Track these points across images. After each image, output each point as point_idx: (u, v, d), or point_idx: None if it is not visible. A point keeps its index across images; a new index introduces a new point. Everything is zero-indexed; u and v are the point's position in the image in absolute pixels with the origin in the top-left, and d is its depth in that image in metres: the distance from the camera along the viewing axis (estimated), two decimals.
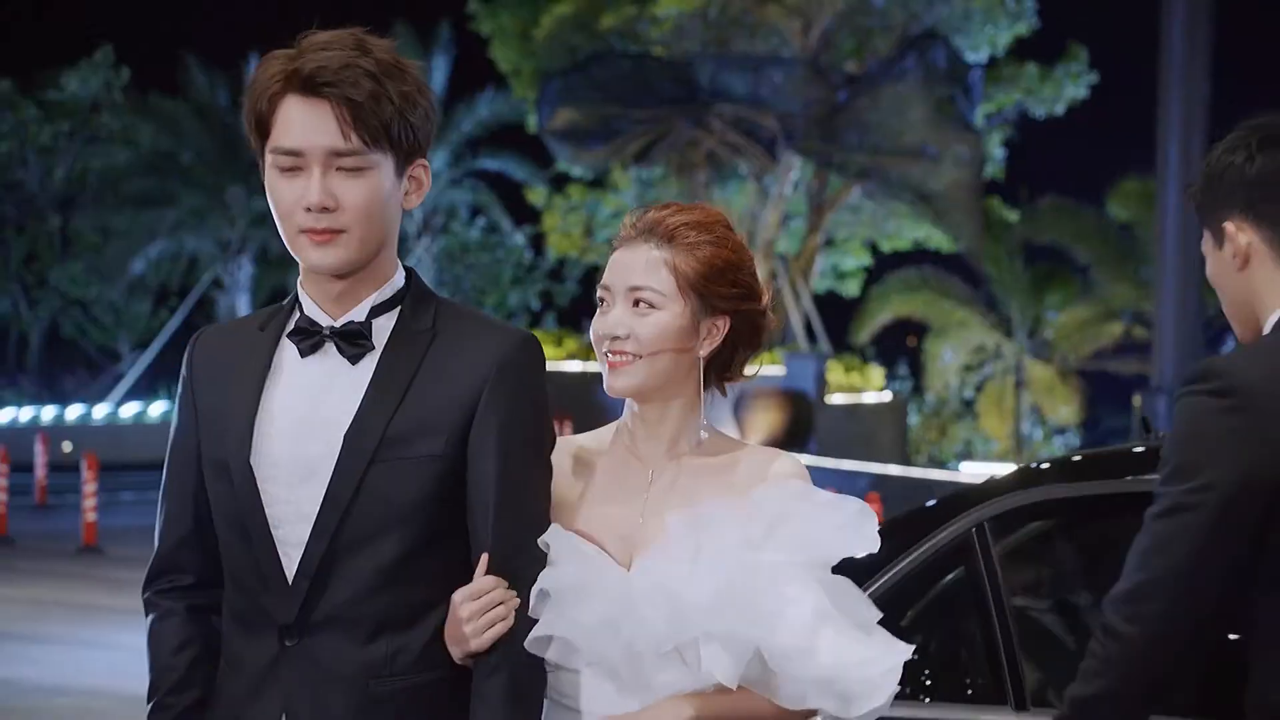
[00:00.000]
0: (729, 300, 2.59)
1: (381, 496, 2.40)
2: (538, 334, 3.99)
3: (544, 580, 2.48)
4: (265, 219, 34.61)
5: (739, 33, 26.15)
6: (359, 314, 2.47)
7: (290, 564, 2.41)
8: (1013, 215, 30.10)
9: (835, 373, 26.01)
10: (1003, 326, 30.50)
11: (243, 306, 34.98)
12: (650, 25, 26.08)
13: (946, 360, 31.07)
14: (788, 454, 2.63)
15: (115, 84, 34.79)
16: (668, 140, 26.43)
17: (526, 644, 2.44)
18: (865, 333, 31.20)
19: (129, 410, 33.08)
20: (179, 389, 2.54)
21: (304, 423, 2.44)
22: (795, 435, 24.54)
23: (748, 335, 2.64)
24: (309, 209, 2.39)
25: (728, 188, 28.55)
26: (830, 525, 2.49)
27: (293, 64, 2.39)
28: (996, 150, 28.50)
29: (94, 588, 13.11)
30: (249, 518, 2.43)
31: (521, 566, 2.45)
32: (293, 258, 2.45)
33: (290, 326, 2.51)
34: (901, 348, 34.86)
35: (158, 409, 33.11)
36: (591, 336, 2.63)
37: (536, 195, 30.84)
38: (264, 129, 2.43)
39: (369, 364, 2.46)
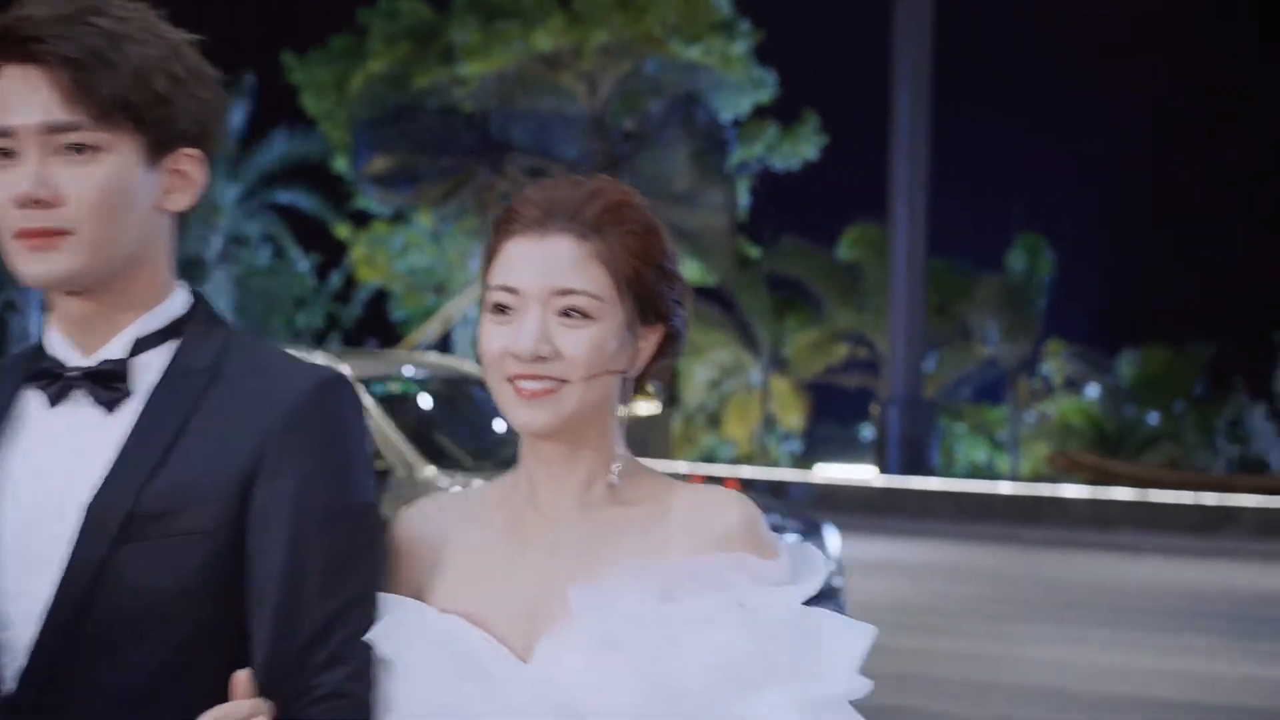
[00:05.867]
0: (668, 303, 1.93)
1: (132, 587, 1.74)
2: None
3: (404, 681, 1.81)
4: None
5: (534, 92, 30.17)
6: (117, 349, 1.83)
7: (15, 674, 1.76)
8: (757, 252, 34.79)
9: None
10: (752, 348, 35.12)
11: (35, 326, 36.89)
12: (456, 86, 29.80)
13: (699, 378, 35.57)
14: (736, 497, 1.89)
15: None
16: (469, 186, 30.26)
17: None
18: None
19: None
20: None
21: (41, 492, 1.80)
22: None
23: (673, 341, 1.96)
24: (20, 204, 1.75)
25: None
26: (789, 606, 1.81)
27: None
28: (744, 198, 33.18)
29: None
30: None
31: (309, 681, 1.76)
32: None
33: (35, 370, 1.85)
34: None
35: None
36: (484, 354, 1.89)
37: (342, 230, 34.06)
38: None
39: (130, 414, 1.81)
